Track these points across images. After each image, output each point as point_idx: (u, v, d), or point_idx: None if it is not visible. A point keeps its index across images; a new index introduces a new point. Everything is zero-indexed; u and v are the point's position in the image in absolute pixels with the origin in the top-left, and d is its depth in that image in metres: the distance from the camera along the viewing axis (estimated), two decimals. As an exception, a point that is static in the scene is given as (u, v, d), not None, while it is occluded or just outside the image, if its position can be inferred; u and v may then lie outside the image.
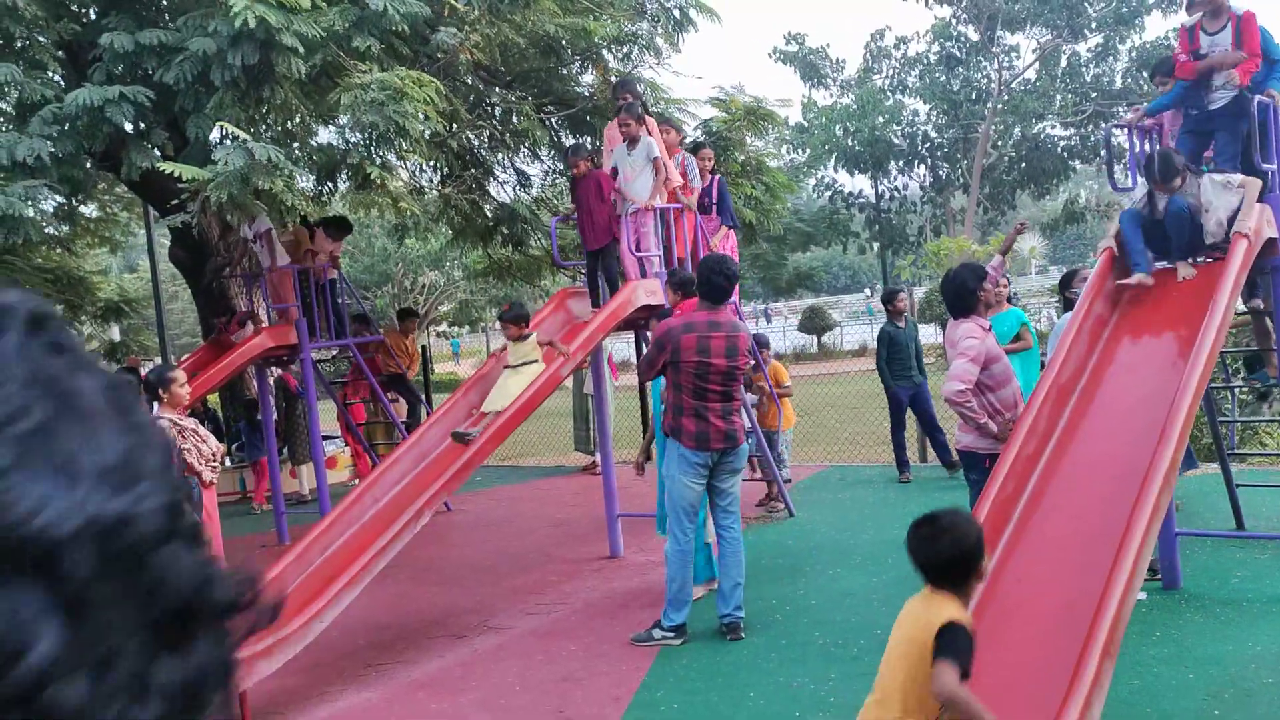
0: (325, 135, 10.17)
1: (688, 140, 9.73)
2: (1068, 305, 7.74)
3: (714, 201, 8.71)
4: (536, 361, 7.21)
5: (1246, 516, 7.20)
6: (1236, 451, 7.48)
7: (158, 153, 8.32)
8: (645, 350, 6.56)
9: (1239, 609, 5.69)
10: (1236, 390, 7.82)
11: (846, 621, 6.06)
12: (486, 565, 8.40)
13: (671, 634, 5.94)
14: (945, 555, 3.05)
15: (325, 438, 10.80)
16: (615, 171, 8.11)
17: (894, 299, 10.77)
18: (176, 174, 7.26)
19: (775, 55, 31.93)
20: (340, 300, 9.97)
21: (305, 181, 10.38)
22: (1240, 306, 6.31)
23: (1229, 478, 7.29)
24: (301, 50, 7.25)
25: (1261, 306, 6.75)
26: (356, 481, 10.58)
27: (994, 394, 5.36)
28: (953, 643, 2.90)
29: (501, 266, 13.57)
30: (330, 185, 11.29)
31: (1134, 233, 5.62)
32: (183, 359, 12.31)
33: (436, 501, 6.66)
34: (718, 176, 8.92)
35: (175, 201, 7.85)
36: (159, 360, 15.75)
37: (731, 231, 8.96)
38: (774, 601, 6.58)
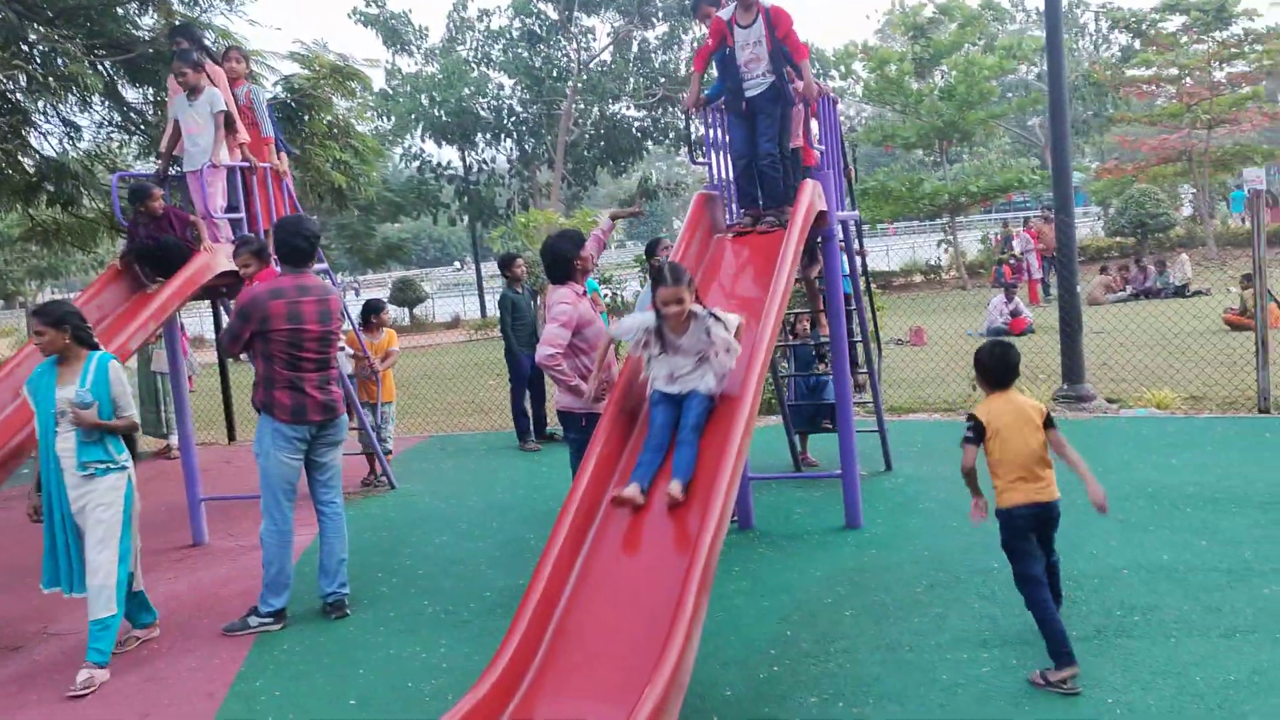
0: None
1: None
2: (648, 268, 8.22)
3: (249, 109, 7.87)
4: None
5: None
6: (795, 403, 8.35)
7: None
8: (228, 321, 6.02)
9: (801, 541, 6.39)
10: (797, 349, 8.72)
11: (455, 588, 6.05)
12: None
13: (270, 619, 5.60)
14: (1015, 363, 4.40)
15: None
16: (178, 126, 7.41)
17: (511, 264, 10.55)
18: None
19: (355, 17, 30.90)
20: None
21: None
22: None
23: (788, 427, 8.16)
24: None
25: (815, 274, 7.58)
26: None
27: (588, 355, 5.54)
28: (1053, 418, 4.36)
29: (47, 230, 11.94)
30: None
31: (653, 432, 4.69)
32: None
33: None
34: (249, 87, 7.97)
35: None
36: None
37: (266, 142, 7.89)
38: (379, 575, 6.42)
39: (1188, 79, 27.25)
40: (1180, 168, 28.42)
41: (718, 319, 4.71)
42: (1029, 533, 4.29)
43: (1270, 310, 10.34)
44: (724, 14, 6.28)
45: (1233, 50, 26.73)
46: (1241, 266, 17.37)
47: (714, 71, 6.68)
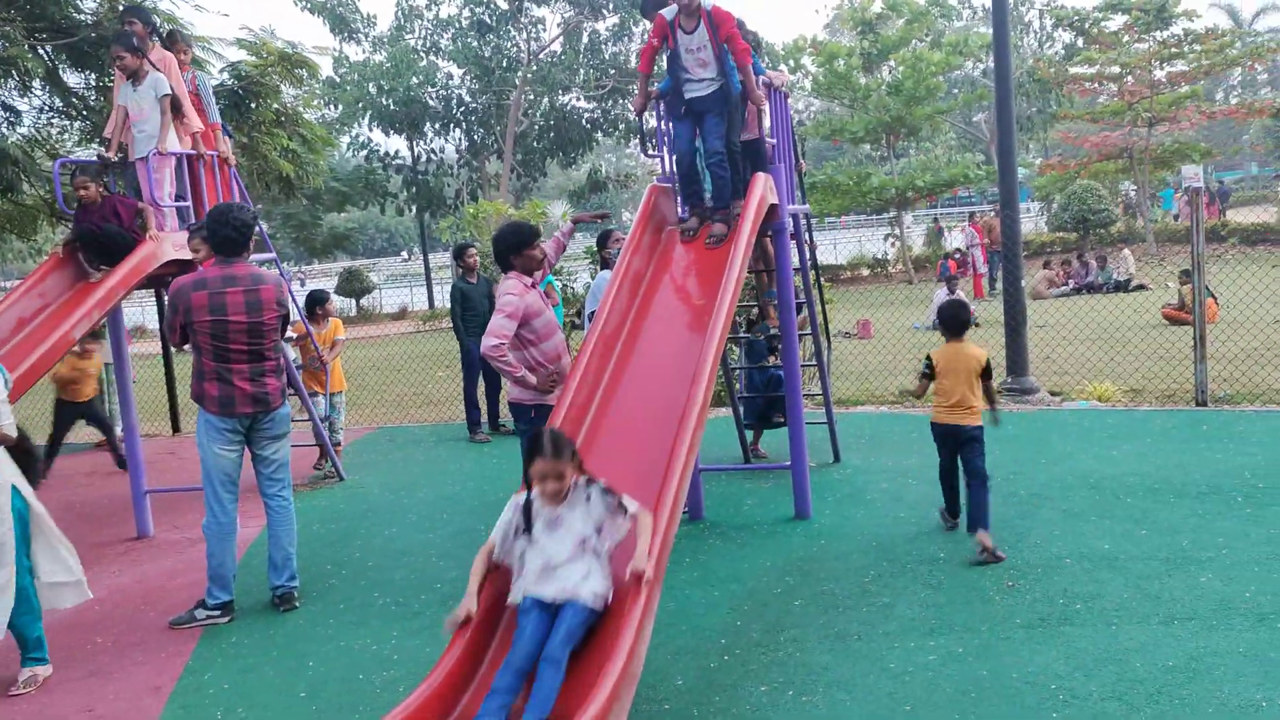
0: None
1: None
2: (604, 264, 8.23)
3: (195, 95, 7.72)
4: None
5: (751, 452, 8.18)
6: (744, 395, 8.42)
7: None
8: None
9: (751, 532, 6.44)
10: (744, 341, 8.79)
11: (406, 580, 6.03)
12: (-19, 561, 7.24)
13: (217, 612, 5.54)
14: (965, 319, 5.98)
15: None
16: (126, 113, 7.27)
17: (464, 254, 10.57)
18: None
19: (302, 4, 30.46)
20: None
21: None
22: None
23: (738, 418, 8.22)
24: None
25: (763, 267, 7.64)
26: None
27: (536, 347, 5.53)
28: (991, 369, 5.90)
29: (-15, 217, 11.66)
30: None
31: (516, 648, 3.66)
32: None
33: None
34: (195, 72, 7.96)
35: None
36: None
37: (224, 137, 7.89)
38: (329, 567, 6.37)
39: (1129, 77, 27.78)
40: (1122, 164, 28.99)
41: (605, 491, 3.92)
42: (944, 441, 6.03)
43: (1208, 306, 10.62)
44: (667, 13, 6.11)
45: (1172, 50, 27.29)
46: (1180, 262, 17.79)
47: (664, 64, 6.65)
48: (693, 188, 6.34)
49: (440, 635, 4.02)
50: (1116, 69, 28.01)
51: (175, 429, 12.33)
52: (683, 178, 6.38)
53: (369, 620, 5.41)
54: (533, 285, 5.63)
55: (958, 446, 5.93)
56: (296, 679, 4.72)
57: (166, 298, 5.72)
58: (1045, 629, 4.56)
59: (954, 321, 5.96)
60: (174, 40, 7.82)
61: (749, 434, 8.38)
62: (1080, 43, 32.76)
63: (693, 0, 5.98)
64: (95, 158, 7.62)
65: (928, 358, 5.96)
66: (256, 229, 5.83)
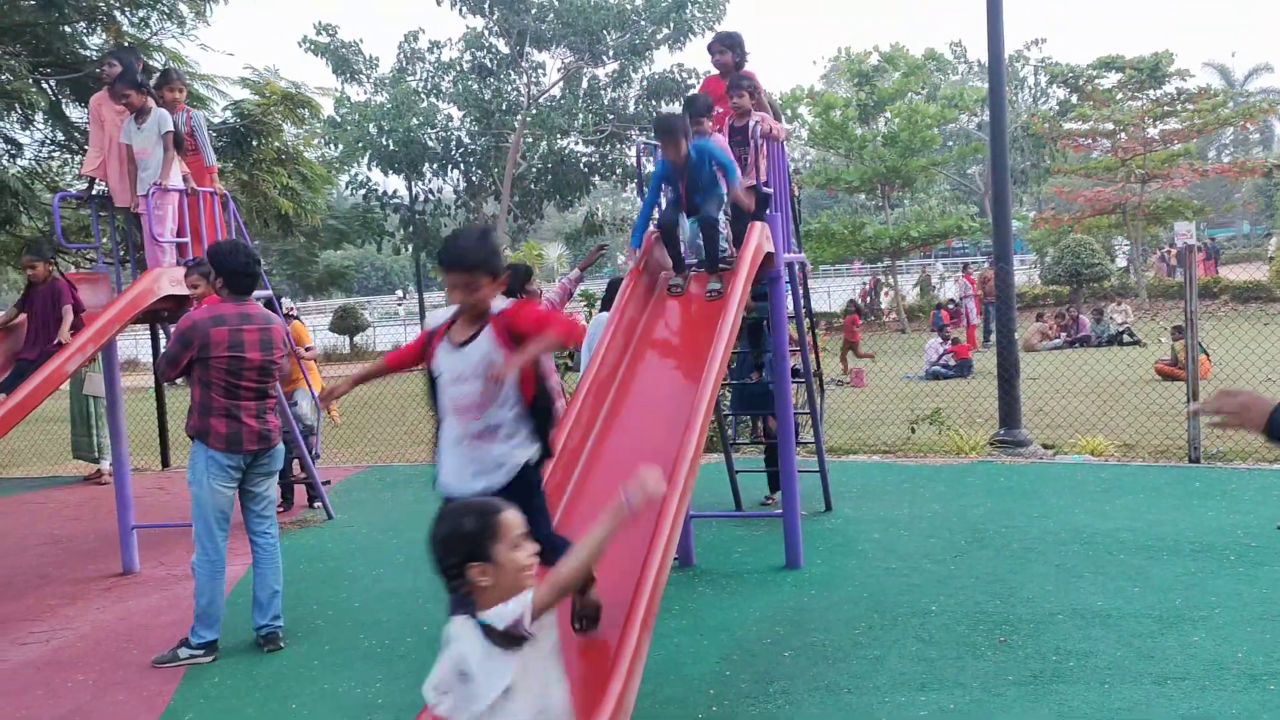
0: None
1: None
2: (604, 306, 8.25)
3: (190, 135, 7.70)
4: None
5: (743, 498, 8.16)
6: (736, 441, 8.41)
7: None
8: (166, 345, 5.91)
9: (741, 580, 6.40)
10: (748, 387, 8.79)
11: (392, 622, 5.96)
12: (-37, 594, 7.17)
13: (200, 651, 5.47)
14: None
15: None
16: (129, 150, 7.29)
17: None
18: None
19: (305, 45, 30.81)
20: None
21: None
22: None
23: (730, 464, 8.20)
24: None
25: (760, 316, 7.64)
26: None
27: (525, 387, 5.51)
28: None
29: (-17, 248, 11.67)
30: None
31: None
32: None
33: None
34: (189, 110, 7.89)
35: None
36: None
37: (209, 171, 7.80)
38: (315, 607, 6.30)
39: (1122, 134, 28.15)
40: (1115, 219, 29.26)
41: None
42: None
43: (1201, 362, 10.65)
44: (434, 321, 4.04)
45: (1165, 108, 27.69)
46: (1173, 318, 17.89)
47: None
48: None
49: (425, 679, 3.96)
50: (1110, 126, 28.39)
51: (165, 463, 12.26)
52: None
53: (354, 663, 5.34)
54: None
55: None
56: (279, 722, 4.66)
57: (173, 332, 5.69)
58: (1038, 686, 4.51)
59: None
60: (168, 79, 7.82)
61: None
62: (1074, 99, 33.21)
63: (480, 303, 3.74)
64: (87, 193, 7.61)
65: None
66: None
